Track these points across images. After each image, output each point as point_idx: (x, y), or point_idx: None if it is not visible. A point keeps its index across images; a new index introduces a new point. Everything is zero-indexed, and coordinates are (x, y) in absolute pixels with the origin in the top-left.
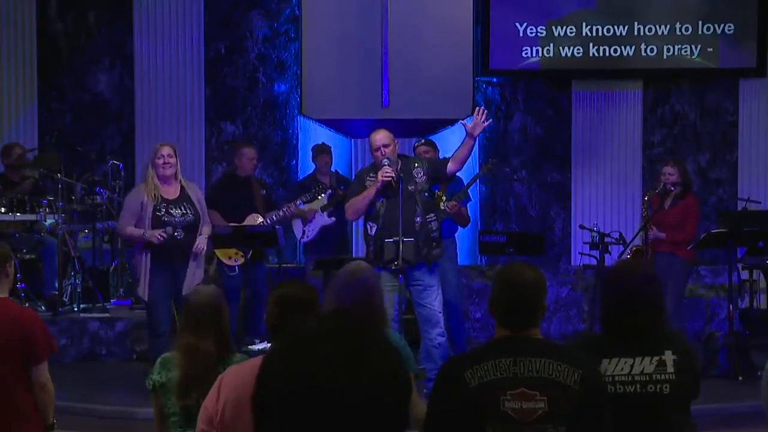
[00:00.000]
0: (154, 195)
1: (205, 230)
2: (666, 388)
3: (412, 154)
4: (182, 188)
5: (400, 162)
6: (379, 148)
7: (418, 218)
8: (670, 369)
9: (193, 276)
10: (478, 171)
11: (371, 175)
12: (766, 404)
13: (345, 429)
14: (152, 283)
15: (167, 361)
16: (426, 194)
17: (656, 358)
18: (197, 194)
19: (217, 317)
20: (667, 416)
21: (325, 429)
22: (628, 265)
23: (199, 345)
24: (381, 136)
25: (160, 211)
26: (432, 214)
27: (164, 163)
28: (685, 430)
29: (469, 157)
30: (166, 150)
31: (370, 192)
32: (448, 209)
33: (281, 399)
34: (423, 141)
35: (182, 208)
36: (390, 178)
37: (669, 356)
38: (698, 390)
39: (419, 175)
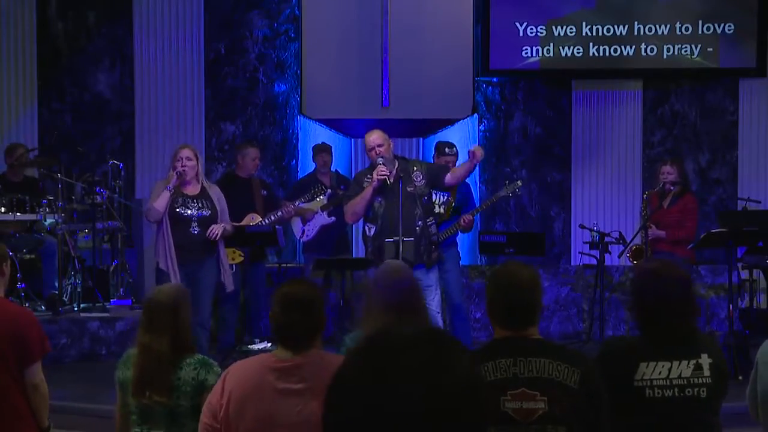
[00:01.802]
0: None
1: (225, 224)
2: (703, 392)
3: (432, 154)
4: (203, 188)
5: (397, 162)
6: (373, 148)
7: (419, 222)
8: (707, 373)
9: (227, 271)
10: (500, 191)
11: (369, 176)
12: (751, 406)
13: None
14: (167, 278)
15: (129, 358)
16: (425, 198)
17: (693, 361)
18: (217, 193)
19: (174, 316)
20: (703, 420)
21: None
22: (663, 267)
23: (152, 344)
24: (374, 137)
25: (177, 203)
26: (432, 218)
27: (183, 166)
28: (716, 430)
29: (467, 177)
30: (185, 152)
31: (367, 192)
32: (463, 223)
33: (358, 402)
34: (454, 150)
35: (199, 203)
36: (385, 176)
37: (705, 360)
38: (727, 391)
39: (418, 179)
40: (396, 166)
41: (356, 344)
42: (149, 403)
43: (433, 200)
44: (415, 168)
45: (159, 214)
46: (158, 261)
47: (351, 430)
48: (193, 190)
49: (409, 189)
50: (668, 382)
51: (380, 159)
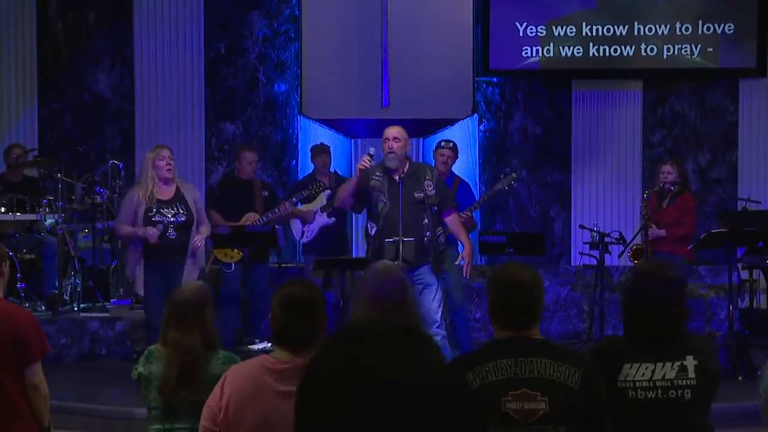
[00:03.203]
0: (149, 196)
1: (203, 229)
2: (687, 393)
3: (431, 152)
4: (177, 189)
5: (408, 164)
6: (387, 140)
7: (428, 232)
8: (691, 375)
9: (190, 273)
10: (496, 185)
11: (377, 174)
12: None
13: (389, 429)
14: (147, 281)
15: (152, 354)
16: (435, 208)
17: (678, 363)
18: (194, 195)
19: (202, 313)
20: (687, 422)
21: (370, 428)
22: (654, 268)
23: (183, 340)
24: (393, 130)
25: (151, 211)
26: (440, 228)
27: (167, 165)
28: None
29: (456, 233)
30: (167, 152)
31: (352, 181)
32: (462, 217)
33: (330, 394)
34: (451, 144)
35: (175, 208)
36: (365, 167)
37: (690, 362)
38: (716, 392)
39: (429, 188)
40: (406, 167)
41: (329, 337)
42: (177, 400)
43: None
44: (427, 177)
45: (123, 239)
46: (132, 282)
47: (323, 421)
48: (167, 193)
49: (417, 194)
50: (651, 384)
51: (371, 149)
